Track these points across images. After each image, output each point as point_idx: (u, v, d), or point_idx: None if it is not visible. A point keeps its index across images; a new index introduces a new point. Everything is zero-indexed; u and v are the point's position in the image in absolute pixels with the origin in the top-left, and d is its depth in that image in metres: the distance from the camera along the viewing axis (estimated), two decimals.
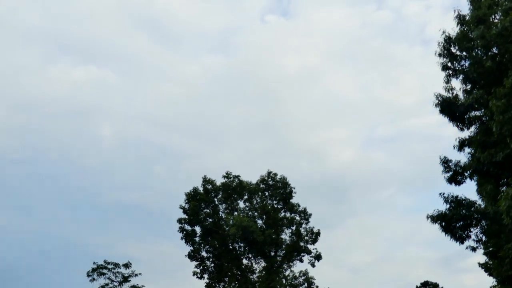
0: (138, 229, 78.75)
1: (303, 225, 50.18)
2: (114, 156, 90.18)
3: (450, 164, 27.49)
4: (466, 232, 26.85)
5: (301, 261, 49.49)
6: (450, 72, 26.92)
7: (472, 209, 26.41)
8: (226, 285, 48.27)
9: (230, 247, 48.70)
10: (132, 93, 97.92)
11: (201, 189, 50.17)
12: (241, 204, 51.01)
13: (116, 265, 50.89)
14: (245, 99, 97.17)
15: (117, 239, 79.95)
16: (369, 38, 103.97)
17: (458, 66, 26.76)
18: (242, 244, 48.46)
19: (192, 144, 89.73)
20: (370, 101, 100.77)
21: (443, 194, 26.92)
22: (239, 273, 48.60)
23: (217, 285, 48.55)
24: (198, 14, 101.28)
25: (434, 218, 26.63)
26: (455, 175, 27.50)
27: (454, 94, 26.94)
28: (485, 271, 30.77)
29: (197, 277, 48.87)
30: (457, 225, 26.66)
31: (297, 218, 50.38)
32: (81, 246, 75.44)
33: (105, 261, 50.84)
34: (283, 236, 49.62)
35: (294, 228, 50.02)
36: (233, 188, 50.39)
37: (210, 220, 49.36)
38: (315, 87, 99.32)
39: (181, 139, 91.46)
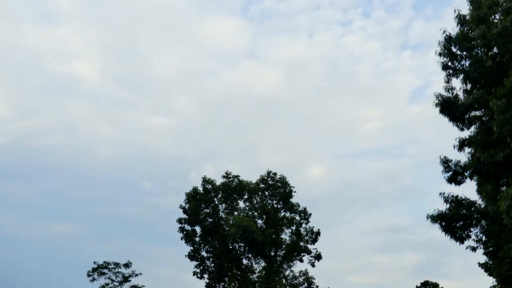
0: (131, 238, 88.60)
1: (303, 225, 50.20)
2: (110, 174, 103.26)
3: (450, 164, 27.44)
4: (466, 232, 26.78)
5: (301, 261, 49.51)
6: (450, 71, 26.87)
7: (472, 209, 26.34)
8: (226, 285, 48.24)
9: (230, 247, 48.67)
10: (125, 123, 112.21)
11: (200, 189, 50.15)
12: (241, 204, 51.06)
13: (117, 265, 50.82)
14: (222, 127, 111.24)
15: (110, 247, 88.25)
16: (329, 71, 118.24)
17: (459, 65, 26.70)
18: (242, 244, 48.44)
19: (176, 165, 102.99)
20: (335, 124, 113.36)
21: (443, 193, 26.90)
22: (239, 273, 48.57)
23: (217, 285, 48.53)
24: (180, 59, 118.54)
25: (434, 218, 26.57)
26: (455, 175, 27.43)
27: (454, 94, 26.89)
28: (485, 271, 30.76)
29: (197, 277, 48.86)
30: (457, 225, 26.61)
31: (297, 218, 50.37)
32: (80, 251, 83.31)
33: (105, 261, 50.84)
34: (283, 236, 49.64)
35: (294, 228, 50.00)
36: (233, 188, 50.37)
37: (210, 220, 49.34)
38: (281, 113, 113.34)
39: (166, 162, 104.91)
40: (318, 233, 49.68)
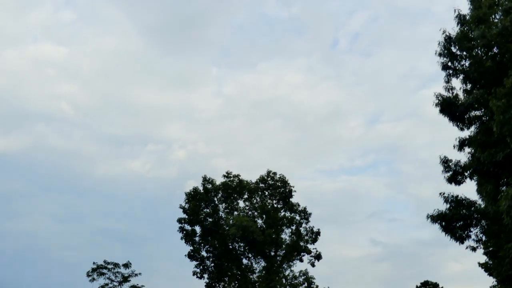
0: (125, 250, 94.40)
1: (303, 225, 50.16)
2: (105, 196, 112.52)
3: (450, 164, 27.42)
4: (466, 232, 26.77)
5: (301, 261, 49.45)
6: (450, 71, 26.87)
7: (472, 209, 26.33)
8: (226, 285, 48.22)
9: (230, 247, 48.65)
10: (107, 149, 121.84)
11: (201, 188, 50.09)
12: (241, 204, 50.98)
13: (116, 265, 50.81)
14: (199, 152, 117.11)
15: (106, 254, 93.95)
16: (290, 109, 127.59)
17: (458, 65, 26.71)
18: (242, 244, 48.40)
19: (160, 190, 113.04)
20: (299, 152, 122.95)
21: (443, 193, 26.88)
22: (239, 273, 48.54)
23: (217, 285, 48.51)
24: (159, 94, 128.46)
25: (434, 218, 26.56)
26: (455, 175, 27.42)
27: (454, 94, 26.89)
28: (485, 271, 30.71)
29: (197, 277, 48.81)
30: (457, 225, 26.60)
31: (297, 217, 50.32)
32: (78, 256, 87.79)
33: (105, 261, 50.81)
34: (283, 236, 49.56)
35: (294, 227, 49.96)
36: (233, 187, 50.30)
37: (210, 220, 49.27)
38: (252, 143, 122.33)
39: (152, 179, 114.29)
40: (318, 233, 49.64)
